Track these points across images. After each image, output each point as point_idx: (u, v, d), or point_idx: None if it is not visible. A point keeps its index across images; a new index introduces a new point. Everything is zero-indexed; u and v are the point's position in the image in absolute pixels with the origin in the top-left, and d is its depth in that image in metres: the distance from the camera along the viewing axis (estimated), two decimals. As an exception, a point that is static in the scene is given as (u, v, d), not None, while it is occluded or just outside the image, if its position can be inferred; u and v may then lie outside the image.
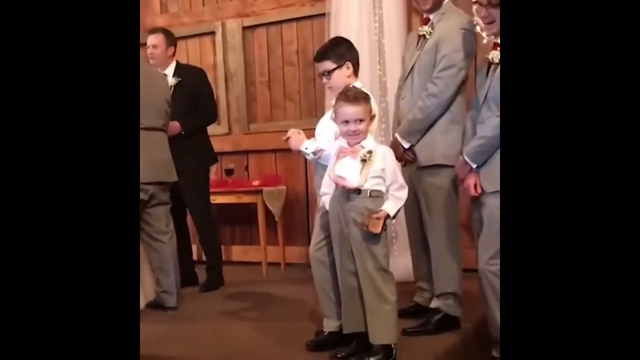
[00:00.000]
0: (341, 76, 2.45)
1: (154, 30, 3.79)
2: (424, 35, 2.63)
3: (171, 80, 3.67)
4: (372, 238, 2.18)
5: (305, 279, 3.56)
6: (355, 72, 2.49)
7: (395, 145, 2.61)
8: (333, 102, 2.31)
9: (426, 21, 2.66)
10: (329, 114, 2.46)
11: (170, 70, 3.71)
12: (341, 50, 2.48)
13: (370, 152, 2.19)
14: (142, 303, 3.21)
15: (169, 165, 3.19)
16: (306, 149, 2.43)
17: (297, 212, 4.42)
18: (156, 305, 3.25)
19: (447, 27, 2.56)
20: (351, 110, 2.19)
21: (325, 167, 2.36)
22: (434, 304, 2.64)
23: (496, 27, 2.07)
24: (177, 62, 3.81)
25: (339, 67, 2.45)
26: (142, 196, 3.00)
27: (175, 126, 3.52)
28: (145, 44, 3.73)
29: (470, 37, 2.52)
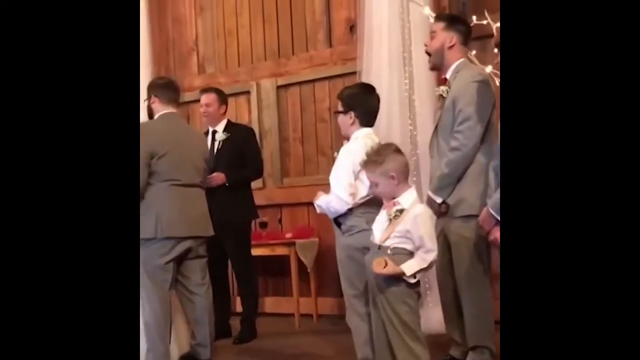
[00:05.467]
0: (345, 121, 2.61)
1: (207, 90, 4.00)
2: (442, 95, 2.74)
3: (221, 136, 3.87)
4: (391, 293, 2.17)
5: (337, 330, 3.56)
6: (364, 122, 2.60)
7: (430, 202, 2.67)
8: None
9: (444, 81, 2.77)
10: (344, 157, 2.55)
11: (221, 127, 3.91)
12: (351, 100, 2.61)
13: (400, 211, 2.20)
14: (176, 355, 3.22)
15: (205, 220, 3.24)
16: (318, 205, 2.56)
17: (330, 264, 4.43)
18: (190, 357, 3.26)
19: (460, 82, 2.65)
20: (366, 176, 2.29)
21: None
22: (470, 358, 2.62)
23: None
24: (228, 120, 4.00)
25: (344, 113, 2.57)
26: (178, 250, 3.05)
27: (220, 177, 3.68)
28: (186, 102, 3.90)
29: (483, 87, 2.59)
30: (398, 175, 2.23)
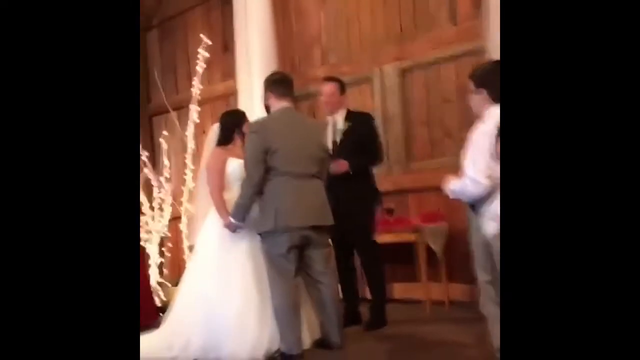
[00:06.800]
0: (477, 101, 2.46)
1: (329, 79, 4.03)
2: None
3: (341, 125, 3.89)
4: None
5: (470, 318, 3.44)
6: (497, 100, 2.41)
7: None
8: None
9: None
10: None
11: (340, 116, 3.93)
12: (484, 78, 2.46)
13: None
14: (308, 341, 3.29)
15: (323, 209, 3.26)
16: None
17: (460, 249, 4.29)
18: (322, 343, 3.31)
19: None
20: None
21: None
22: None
23: None
24: (348, 109, 3.99)
25: (476, 92, 2.45)
26: (297, 240, 3.11)
27: (343, 164, 3.71)
28: (310, 94, 3.92)
29: None
30: None
